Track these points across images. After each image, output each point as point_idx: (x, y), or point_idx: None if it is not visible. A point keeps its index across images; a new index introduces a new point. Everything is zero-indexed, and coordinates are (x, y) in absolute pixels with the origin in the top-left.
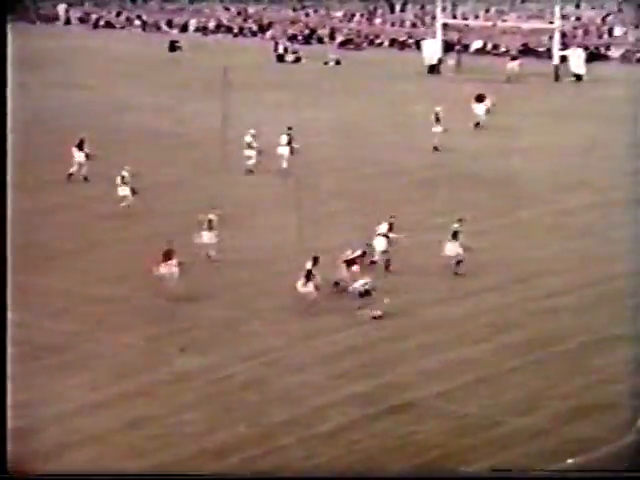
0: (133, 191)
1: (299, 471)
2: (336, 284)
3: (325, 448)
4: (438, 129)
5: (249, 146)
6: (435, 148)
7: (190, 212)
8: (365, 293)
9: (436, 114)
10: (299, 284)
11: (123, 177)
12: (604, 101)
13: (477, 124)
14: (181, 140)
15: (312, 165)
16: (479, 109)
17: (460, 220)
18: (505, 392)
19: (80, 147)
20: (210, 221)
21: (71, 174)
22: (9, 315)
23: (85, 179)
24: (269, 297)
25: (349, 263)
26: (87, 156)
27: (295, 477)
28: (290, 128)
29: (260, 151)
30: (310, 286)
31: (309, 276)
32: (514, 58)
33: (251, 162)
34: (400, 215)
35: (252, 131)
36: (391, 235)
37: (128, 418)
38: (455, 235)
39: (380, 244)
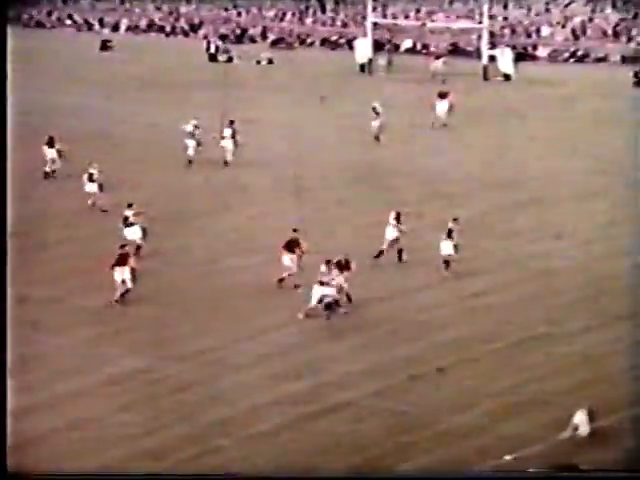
0: (101, 187)
1: (299, 471)
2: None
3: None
4: (376, 123)
5: (191, 135)
6: (376, 138)
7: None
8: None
9: (374, 108)
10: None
11: (91, 174)
12: (532, 100)
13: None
14: (111, 140)
15: (244, 161)
16: (441, 106)
17: (455, 219)
18: (440, 390)
19: (51, 145)
20: (126, 218)
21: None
22: None
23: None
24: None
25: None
26: (59, 152)
27: (296, 477)
28: (233, 122)
29: (199, 143)
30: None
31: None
32: (438, 57)
33: (191, 152)
34: (331, 215)
35: (194, 121)
36: (400, 226)
37: (65, 420)
38: (450, 234)
39: (390, 233)
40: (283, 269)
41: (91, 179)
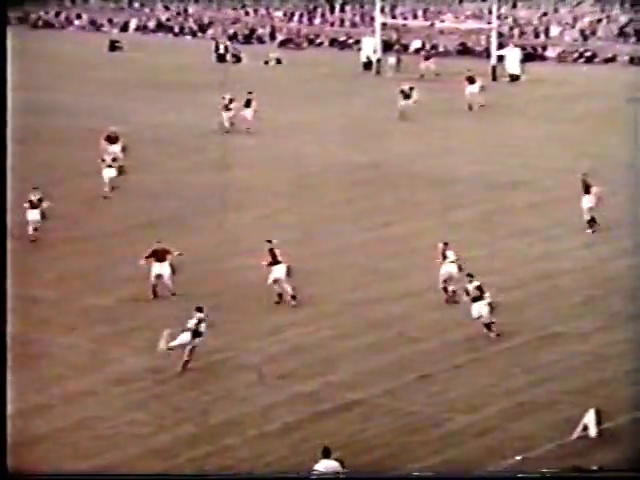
0: (43, 215)
1: (300, 471)
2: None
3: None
4: (407, 102)
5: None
6: (402, 117)
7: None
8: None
9: (402, 91)
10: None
11: (31, 201)
12: (540, 100)
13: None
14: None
15: (250, 160)
16: (472, 88)
17: (446, 244)
18: (451, 390)
19: (112, 141)
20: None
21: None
22: None
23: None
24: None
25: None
26: (123, 149)
27: (296, 477)
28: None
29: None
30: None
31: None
32: (427, 57)
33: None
34: (337, 214)
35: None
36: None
37: (74, 418)
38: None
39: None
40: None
41: (33, 206)
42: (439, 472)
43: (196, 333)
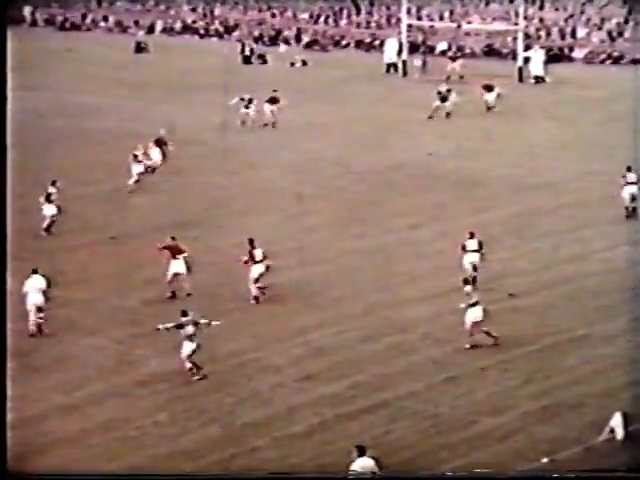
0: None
1: (302, 471)
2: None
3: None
4: (443, 104)
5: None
6: (447, 115)
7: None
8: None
9: (439, 92)
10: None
11: (49, 194)
12: (566, 102)
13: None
14: (146, 140)
15: (275, 163)
16: (490, 96)
17: (472, 234)
18: (476, 392)
19: (159, 145)
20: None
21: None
22: None
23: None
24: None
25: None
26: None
27: (298, 477)
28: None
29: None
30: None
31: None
32: (454, 59)
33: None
34: (364, 216)
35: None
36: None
37: (100, 420)
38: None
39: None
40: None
41: (49, 199)
42: (444, 473)
43: (192, 337)
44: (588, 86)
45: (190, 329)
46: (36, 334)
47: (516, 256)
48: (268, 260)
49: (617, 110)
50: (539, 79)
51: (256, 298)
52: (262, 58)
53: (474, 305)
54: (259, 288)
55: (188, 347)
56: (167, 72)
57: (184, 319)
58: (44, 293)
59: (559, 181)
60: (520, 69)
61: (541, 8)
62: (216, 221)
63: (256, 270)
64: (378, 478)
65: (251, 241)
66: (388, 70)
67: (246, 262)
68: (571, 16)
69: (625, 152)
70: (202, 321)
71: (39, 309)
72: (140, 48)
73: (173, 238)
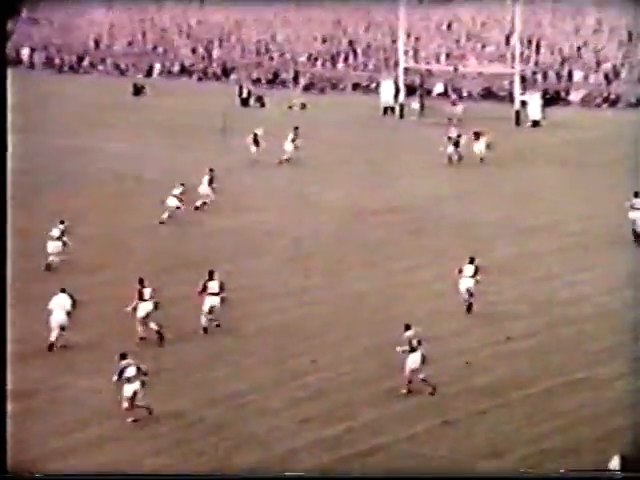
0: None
1: (301, 471)
2: None
3: None
4: (454, 149)
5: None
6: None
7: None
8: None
9: (449, 137)
10: None
11: (62, 231)
12: (562, 145)
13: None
14: (143, 183)
15: (274, 204)
16: (479, 145)
17: (472, 259)
18: (474, 435)
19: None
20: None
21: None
22: None
23: None
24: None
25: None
26: (212, 188)
27: (297, 477)
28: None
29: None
30: None
31: None
32: (454, 103)
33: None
34: (362, 258)
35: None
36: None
37: (98, 462)
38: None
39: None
40: None
41: (55, 237)
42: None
43: (131, 380)
44: (585, 129)
45: (131, 371)
46: (52, 349)
47: (515, 298)
48: (155, 299)
49: (614, 153)
50: (536, 122)
51: (141, 338)
52: (260, 101)
53: (413, 351)
54: (144, 324)
55: (129, 389)
56: (165, 115)
57: (123, 362)
58: (68, 313)
59: (557, 223)
60: (517, 112)
61: (537, 51)
62: (213, 264)
63: (143, 308)
64: (378, 478)
65: (141, 280)
66: (385, 112)
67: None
68: (567, 59)
69: (621, 193)
70: (140, 366)
71: (62, 327)
72: (138, 90)
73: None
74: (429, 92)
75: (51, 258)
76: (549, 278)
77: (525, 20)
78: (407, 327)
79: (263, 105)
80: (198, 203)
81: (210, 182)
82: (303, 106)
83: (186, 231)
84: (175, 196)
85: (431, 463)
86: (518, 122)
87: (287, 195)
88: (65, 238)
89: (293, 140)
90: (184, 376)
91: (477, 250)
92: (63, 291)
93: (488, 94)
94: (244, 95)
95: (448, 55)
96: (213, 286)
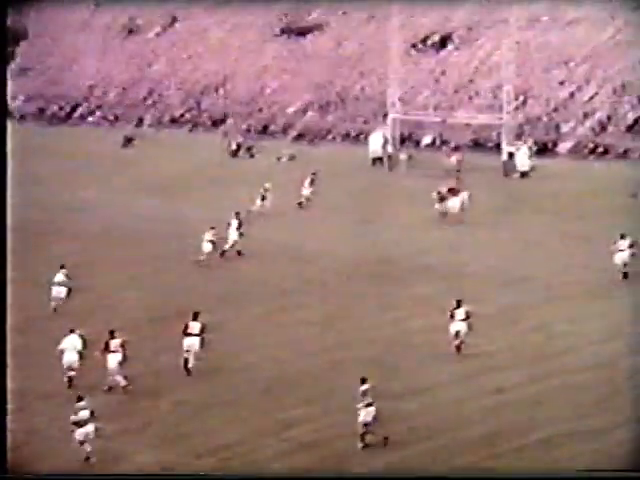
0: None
1: (300, 472)
2: None
3: None
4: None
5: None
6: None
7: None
8: None
9: (439, 192)
10: None
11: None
12: (550, 196)
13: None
14: (131, 236)
15: (262, 256)
16: (453, 202)
17: (459, 302)
18: None
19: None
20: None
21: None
22: None
23: None
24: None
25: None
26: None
27: (296, 477)
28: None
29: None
30: None
31: None
32: (450, 154)
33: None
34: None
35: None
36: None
37: None
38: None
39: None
40: None
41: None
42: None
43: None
44: (573, 179)
45: (84, 414)
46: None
47: (505, 349)
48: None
49: (602, 204)
50: (524, 173)
51: (123, 387)
52: (250, 151)
53: (368, 406)
54: (124, 377)
55: (80, 433)
56: (155, 166)
57: (79, 404)
58: (79, 353)
59: (547, 274)
60: (505, 163)
61: (525, 102)
62: (206, 315)
63: (112, 360)
64: (378, 478)
65: (111, 332)
66: (374, 163)
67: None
68: (555, 110)
69: (608, 245)
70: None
71: (71, 368)
72: (129, 141)
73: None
74: (418, 143)
75: (55, 303)
76: (539, 329)
77: (514, 71)
78: (363, 380)
79: (252, 156)
80: (226, 247)
81: (239, 226)
82: (292, 157)
83: (167, 281)
84: (210, 241)
85: None
86: (506, 173)
87: (273, 245)
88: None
89: (310, 184)
90: (168, 428)
91: (467, 301)
92: (72, 331)
93: (476, 145)
94: (234, 146)
95: (437, 106)
96: (194, 326)
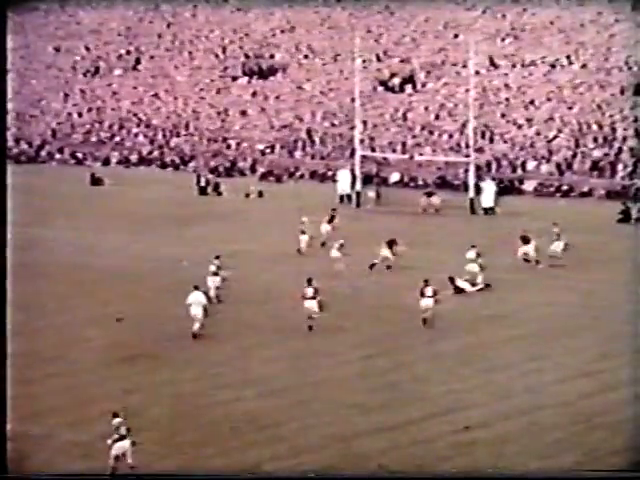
0: None
1: (299, 471)
2: None
3: None
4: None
5: (213, 274)
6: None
7: None
8: None
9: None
10: None
11: None
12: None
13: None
14: (101, 273)
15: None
16: (385, 252)
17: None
18: None
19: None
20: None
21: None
22: None
23: None
24: None
25: None
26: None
27: (295, 477)
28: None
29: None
30: None
31: None
32: (430, 194)
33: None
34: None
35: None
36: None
37: None
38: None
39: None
40: None
41: None
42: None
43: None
44: (537, 218)
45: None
46: None
47: (470, 388)
48: None
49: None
50: (489, 211)
51: None
52: (217, 189)
53: (121, 439)
54: None
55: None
56: (122, 204)
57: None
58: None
59: (511, 312)
60: (471, 200)
61: (491, 141)
62: (170, 353)
63: None
64: (378, 478)
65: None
66: (342, 201)
67: None
68: (521, 149)
69: (576, 283)
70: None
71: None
72: (96, 180)
73: None
74: (385, 180)
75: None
76: (504, 367)
77: (478, 110)
78: (114, 415)
79: (220, 194)
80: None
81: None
82: (260, 194)
83: (140, 319)
84: (214, 272)
85: None
86: (473, 210)
87: (242, 284)
88: None
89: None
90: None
91: (432, 339)
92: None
93: (443, 183)
94: (202, 184)
95: (404, 144)
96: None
